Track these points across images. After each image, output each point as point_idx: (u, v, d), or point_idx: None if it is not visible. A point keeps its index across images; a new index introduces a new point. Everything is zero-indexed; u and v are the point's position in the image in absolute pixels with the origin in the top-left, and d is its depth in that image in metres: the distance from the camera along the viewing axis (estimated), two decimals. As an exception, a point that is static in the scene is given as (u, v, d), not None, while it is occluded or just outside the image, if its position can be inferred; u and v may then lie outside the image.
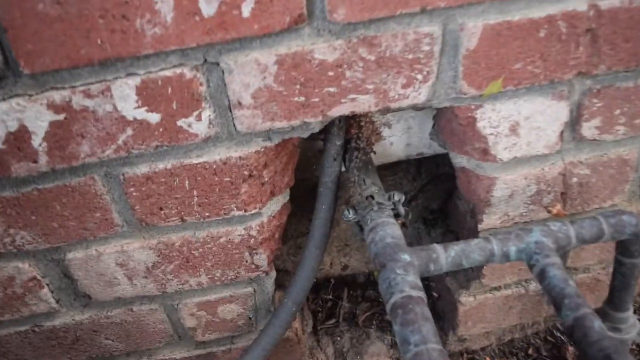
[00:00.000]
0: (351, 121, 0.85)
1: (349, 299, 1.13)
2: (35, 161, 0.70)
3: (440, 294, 1.08)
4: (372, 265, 1.08)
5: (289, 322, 0.86)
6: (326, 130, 0.85)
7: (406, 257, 0.68)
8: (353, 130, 0.85)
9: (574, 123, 0.80)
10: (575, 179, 0.85)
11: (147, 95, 0.67)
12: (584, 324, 0.62)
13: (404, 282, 0.65)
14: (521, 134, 0.79)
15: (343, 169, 0.89)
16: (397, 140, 0.98)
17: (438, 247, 0.71)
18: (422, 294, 0.65)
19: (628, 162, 0.85)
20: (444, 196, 1.09)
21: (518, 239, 0.71)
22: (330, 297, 1.14)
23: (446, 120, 0.84)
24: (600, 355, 0.59)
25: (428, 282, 1.13)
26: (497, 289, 0.98)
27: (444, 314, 1.07)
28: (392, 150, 0.98)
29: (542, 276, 0.69)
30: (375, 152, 0.94)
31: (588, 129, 0.80)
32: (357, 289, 1.16)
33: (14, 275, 0.81)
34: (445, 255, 0.70)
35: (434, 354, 0.58)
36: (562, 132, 0.80)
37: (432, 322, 0.62)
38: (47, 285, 0.83)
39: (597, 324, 0.62)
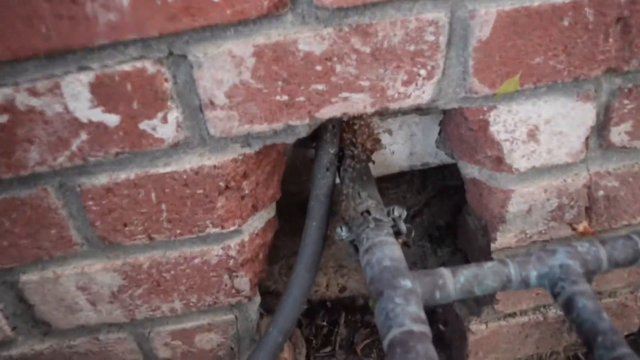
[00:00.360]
0: (344, 125, 0.75)
1: (347, 324, 1.02)
2: (-24, 170, 0.61)
3: (447, 321, 0.97)
4: (368, 292, 0.97)
5: (275, 354, 0.75)
6: (317, 136, 0.76)
7: (407, 283, 0.58)
8: (346, 135, 0.74)
9: (601, 128, 0.69)
10: (601, 192, 0.74)
11: (103, 93, 0.57)
12: None
13: (405, 313, 0.55)
14: (541, 140, 0.68)
15: (338, 180, 0.78)
16: (399, 149, 0.88)
17: (445, 272, 0.60)
18: (425, 328, 0.54)
19: (663, 172, 0.74)
20: (452, 211, 0.99)
21: (539, 262, 0.61)
22: (326, 322, 1.03)
23: (455, 125, 0.73)
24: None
25: (433, 307, 1.02)
26: (512, 315, 0.87)
27: (451, 342, 0.96)
28: (393, 160, 0.88)
29: (569, 307, 0.58)
30: (374, 162, 0.84)
31: (617, 134, 0.70)
32: (355, 314, 1.05)
33: (-40, 300, 0.71)
34: (453, 281, 0.59)
35: None
36: (587, 139, 0.69)
37: (438, 363, 0.51)
38: (1, 310, 0.73)
39: (640, 367, 0.51)
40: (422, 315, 0.56)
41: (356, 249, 0.68)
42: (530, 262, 0.61)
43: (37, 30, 0.53)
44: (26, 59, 0.55)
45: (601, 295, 0.87)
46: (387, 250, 0.62)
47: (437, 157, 0.89)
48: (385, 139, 0.86)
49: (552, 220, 0.75)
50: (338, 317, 1.03)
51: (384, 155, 0.88)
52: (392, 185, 0.97)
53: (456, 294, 0.60)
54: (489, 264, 0.61)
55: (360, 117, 0.69)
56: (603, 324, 0.55)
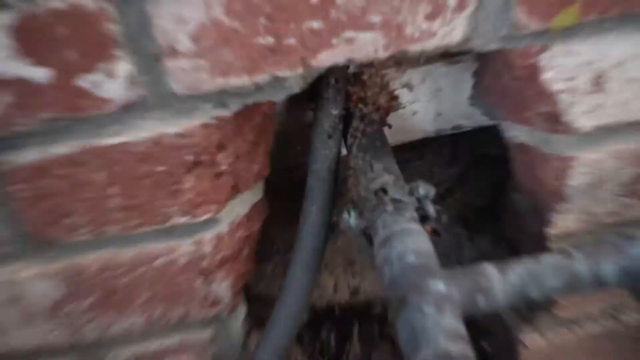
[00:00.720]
0: (350, 78, 0.74)
1: (361, 337, 1.03)
2: None
3: (491, 333, 0.97)
4: (386, 298, 0.97)
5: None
6: (316, 94, 0.75)
7: (440, 286, 0.57)
8: (352, 90, 0.73)
9: (690, 71, 0.68)
10: (692, 157, 0.73)
11: (31, 40, 0.56)
12: None
13: (438, 328, 0.54)
14: (610, 89, 0.67)
15: (344, 151, 0.78)
16: (423, 109, 0.87)
17: (490, 269, 0.59)
18: (467, 347, 0.53)
19: None
20: (493, 188, 0.98)
21: (617, 252, 0.60)
22: (334, 336, 1.03)
23: (494, 74, 0.73)
24: None
25: (478, 324, 1.02)
26: (577, 322, 0.86)
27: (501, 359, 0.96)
28: (415, 123, 0.88)
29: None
30: (390, 126, 0.83)
31: None
32: (371, 323, 1.05)
33: None
34: (502, 283, 0.59)
35: None
36: (672, 86, 0.68)
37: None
38: None
39: None
40: (462, 329, 0.55)
41: (370, 241, 0.67)
42: (605, 252, 0.60)
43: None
44: None
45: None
46: (410, 241, 0.62)
47: (471, 118, 0.88)
48: (404, 95, 0.85)
49: (627, 196, 0.75)
50: (350, 329, 1.03)
51: (403, 117, 0.87)
52: (414, 157, 0.97)
53: (507, 299, 0.59)
54: (549, 256, 0.60)
55: (370, 64, 0.68)
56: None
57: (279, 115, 0.83)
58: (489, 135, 0.93)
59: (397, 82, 0.84)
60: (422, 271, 0.58)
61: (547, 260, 0.59)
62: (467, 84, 0.84)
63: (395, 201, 0.65)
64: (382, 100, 0.79)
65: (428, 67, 0.84)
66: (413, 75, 0.84)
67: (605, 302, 0.85)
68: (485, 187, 1.01)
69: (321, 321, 1.06)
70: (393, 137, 0.87)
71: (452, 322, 0.54)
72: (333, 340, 1.04)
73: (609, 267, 0.59)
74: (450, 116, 0.88)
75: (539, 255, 0.60)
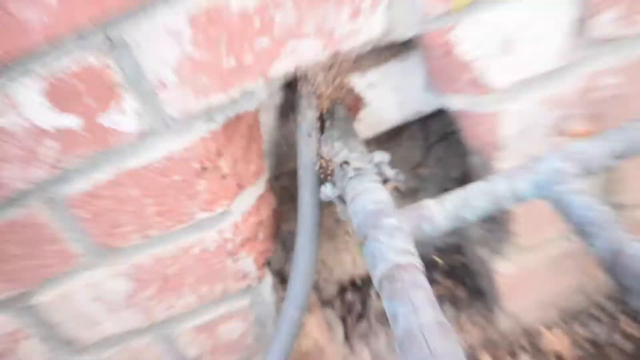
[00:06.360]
0: (317, 85, 0.69)
1: (379, 296, 0.95)
2: (-37, 199, 0.59)
3: (477, 271, 0.88)
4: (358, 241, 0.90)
5: (296, 330, 0.69)
6: (295, 105, 0.70)
7: (392, 221, 0.51)
8: (321, 94, 0.68)
9: (585, 21, 0.60)
10: (603, 93, 0.64)
11: (59, 97, 0.54)
12: (621, 253, 0.42)
13: (389, 249, 0.48)
14: (517, 49, 0.60)
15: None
16: (387, 102, 0.80)
17: (431, 202, 0.53)
18: (414, 259, 0.47)
19: (666, 57, 0.64)
20: (462, 159, 0.90)
21: (529, 171, 0.52)
22: (358, 298, 0.96)
23: (427, 58, 0.66)
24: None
25: (463, 264, 0.93)
26: (538, 247, 0.77)
27: (486, 290, 0.87)
28: (383, 115, 0.81)
29: (563, 209, 0.49)
30: (361, 121, 0.78)
31: (606, 24, 0.60)
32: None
33: (-10, 331, 0.69)
34: (440, 210, 0.52)
35: (428, 325, 0.40)
36: (572, 36, 0.60)
37: (428, 290, 0.44)
38: (31, 336, 0.71)
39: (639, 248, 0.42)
40: (410, 248, 0.49)
41: (345, 203, 0.62)
42: (519, 173, 0.53)
43: (-23, 48, 0.51)
44: (-25, 78, 0.53)
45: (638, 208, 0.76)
46: (370, 195, 0.56)
47: (429, 102, 0.81)
48: (369, 95, 0.79)
49: (554, 136, 0.66)
50: (369, 292, 0.96)
51: (372, 113, 0.80)
52: (393, 144, 0.89)
53: (445, 222, 0.53)
54: (476, 184, 0.54)
55: (322, 70, 0.63)
56: (599, 216, 0.46)
57: (275, 128, 0.79)
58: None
59: (361, 84, 0.78)
60: (378, 214, 0.52)
61: (474, 188, 0.53)
62: (419, 76, 0.78)
63: (356, 169, 0.59)
64: (348, 100, 0.73)
65: (385, 67, 0.78)
66: (373, 76, 0.78)
67: (559, 227, 0.75)
68: (457, 160, 0.92)
69: (346, 290, 0.99)
70: (368, 129, 0.82)
71: (402, 244, 0.48)
72: (358, 303, 0.97)
73: (522, 184, 0.52)
74: (411, 105, 0.81)
75: (467, 185, 0.53)
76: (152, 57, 0.54)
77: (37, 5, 0.49)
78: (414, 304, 0.42)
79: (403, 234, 0.49)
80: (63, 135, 0.57)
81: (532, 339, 0.87)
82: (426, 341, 0.40)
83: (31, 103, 0.54)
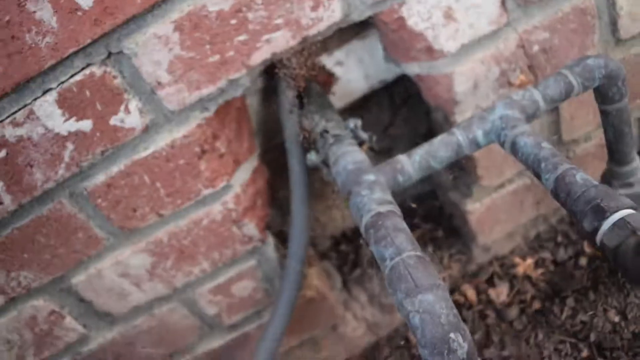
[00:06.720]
0: (292, 67, 0.78)
1: (369, 244, 1.07)
2: (0, 203, 0.68)
3: (452, 212, 1.00)
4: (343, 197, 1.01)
5: (299, 281, 0.81)
6: (276, 87, 0.80)
7: (370, 177, 0.61)
8: (296, 74, 0.77)
9: (511, -12, 0.70)
10: (536, 47, 0.75)
11: (70, 105, 0.63)
12: (565, 182, 0.53)
13: (371, 201, 0.58)
14: (458, 17, 0.70)
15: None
16: (354, 76, 0.90)
17: (401, 157, 0.64)
18: (392, 207, 0.58)
19: (586, 10, 0.74)
20: (427, 117, 1.00)
21: (482, 121, 0.63)
22: (351, 248, 1.08)
23: (384, 34, 0.76)
24: (588, 208, 0.50)
25: (440, 209, 1.05)
26: (501, 186, 0.89)
27: (461, 229, 0.99)
28: (352, 86, 0.91)
29: (514, 149, 0.60)
30: (333, 94, 0.88)
31: (529, -12, 0.70)
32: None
33: (34, 314, 0.80)
34: (410, 162, 0.63)
35: (410, 261, 0.51)
36: (503, 2, 0.70)
37: (407, 232, 0.55)
38: (69, 314, 0.82)
39: (580, 175, 0.53)
40: (388, 198, 0.59)
41: (328, 167, 0.72)
42: (474, 123, 0.63)
43: (-2, 72, 0.59)
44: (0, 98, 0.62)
45: (577, 142, 0.88)
46: (349, 157, 0.66)
47: (390, 71, 0.90)
48: (338, 71, 0.88)
49: (500, 88, 0.77)
50: (359, 241, 1.07)
51: (343, 86, 0.90)
52: (364, 112, 0.99)
53: (416, 172, 0.63)
54: (438, 137, 0.64)
55: (294, 54, 0.73)
56: (544, 152, 0.57)
57: (260, 109, 0.88)
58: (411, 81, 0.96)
59: (330, 62, 0.87)
60: (358, 172, 0.62)
61: (437, 140, 0.63)
62: (379, 49, 0.87)
63: (335, 136, 0.69)
64: (320, 77, 0.83)
65: (348, 46, 0.87)
66: (340, 54, 0.87)
67: (516, 167, 0.87)
68: (422, 118, 1.03)
69: (339, 242, 1.11)
70: (341, 100, 0.91)
71: (381, 195, 0.58)
72: (351, 253, 1.09)
73: (478, 132, 0.62)
74: (375, 75, 0.91)
75: (432, 139, 0.64)
76: (148, 62, 0.63)
77: (44, 32, 0.58)
78: (397, 244, 0.51)
79: (381, 186, 0.60)
80: (78, 138, 0.66)
81: (506, 268, 1.00)
82: (410, 274, 0.50)
83: (50, 114, 0.63)
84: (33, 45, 0.59)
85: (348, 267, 1.05)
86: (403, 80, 0.94)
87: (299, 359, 1.00)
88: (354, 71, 0.89)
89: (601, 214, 0.49)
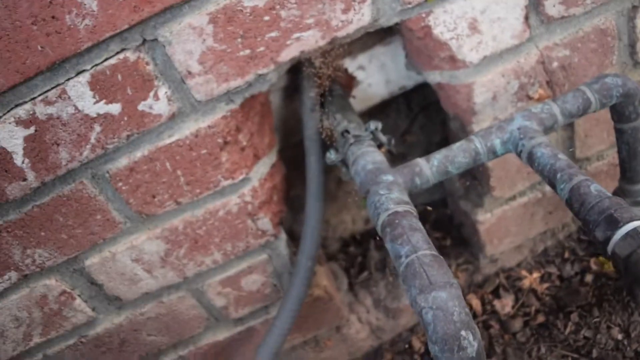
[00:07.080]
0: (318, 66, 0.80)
1: (377, 248, 1.08)
2: (24, 179, 0.70)
3: (461, 222, 1.01)
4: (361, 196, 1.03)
5: (309, 278, 0.82)
6: (299, 85, 0.82)
7: (389, 177, 0.63)
8: (321, 74, 0.79)
9: (535, 4, 0.72)
10: (556, 64, 0.77)
11: (101, 87, 0.65)
12: (579, 192, 0.55)
13: (388, 200, 0.60)
14: (483, 29, 0.72)
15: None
16: (375, 81, 0.92)
17: (420, 160, 0.66)
18: (409, 207, 0.59)
19: (607, 31, 0.76)
20: (442, 126, 1.02)
21: (500, 131, 0.65)
22: (359, 251, 1.09)
23: (408, 41, 0.78)
24: (601, 218, 0.52)
25: (450, 218, 1.07)
26: (512, 198, 0.90)
27: (469, 239, 1.00)
28: (372, 91, 0.93)
29: (531, 159, 0.62)
30: (354, 97, 0.90)
31: (552, 6, 0.72)
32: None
33: (45, 293, 0.81)
34: (428, 166, 0.65)
35: (425, 259, 0.52)
36: (526, 17, 0.72)
37: (423, 232, 0.56)
38: (79, 295, 0.83)
39: (594, 187, 0.55)
40: (405, 198, 0.61)
41: (347, 167, 0.74)
42: (492, 132, 0.65)
43: (35, 50, 0.61)
44: (34, 76, 0.64)
45: (589, 160, 0.90)
46: (368, 157, 0.68)
47: (411, 78, 0.93)
48: (360, 75, 0.90)
49: (519, 101, 0.79)
50: (368, 245, 1.09)
51: (364, 90, 0.92)
52: (382, 117, 1.01)
53: (433, 176, 0.65)
54: (457, 144, 0.66)
55: (321, 54, 0.75)
56: (560, 163, 0.58)
57: (281, 107, 0.90)
58: (431, 89, 0.98)
59: (353, 66, 0.89)
60: (377, 172, 0.64)
61: (456, 146, 0.65)
62: (401, 56, 0.89)
63: (355, 137, 0.71)
64: (343, 80, 0.85)
65: (371, 51, 0.89)
66: (363, 59, 0.90)
67: (528, 179, 0.88)
68: (438, 127, 1.05)
69: (348, 244, 1.12)
70: (361, 104, 0.94)
71: (398, 195, 0.60)
72: (359, 256, 1.10)
73: (496, 141, 0.64)
74: (395, 81, 0.93)
75: (451, 145, 0.66)
76: (180, 51, 0.65)
77: (84, 14, 0.60)
78: (413, 243, 0.53)
79: (399, 187, 0.61)
80: (106, 120, 0.68)
81: (512, 280, 1.01)
82: (425, 272, 0.52)
83: (81, 94, 0.65)
84: (72, 26, 0.61)
85: (355, 270, 1.07)
86: (422, 89, 0.96)
87: (301, 358, 1.01)
88: (375, 76, 0.91)
89: (614, 223, 0.51)
